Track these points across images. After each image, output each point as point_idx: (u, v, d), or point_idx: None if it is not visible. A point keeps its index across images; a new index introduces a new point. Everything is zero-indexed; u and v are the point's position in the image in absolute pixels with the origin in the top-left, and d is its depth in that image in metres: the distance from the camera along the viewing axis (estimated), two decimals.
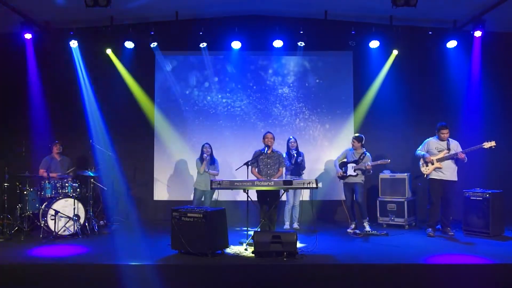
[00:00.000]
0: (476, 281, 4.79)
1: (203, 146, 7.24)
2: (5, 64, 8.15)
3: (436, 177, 6.61)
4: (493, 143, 6.33)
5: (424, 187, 7.11)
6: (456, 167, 6.62)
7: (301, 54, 8.26)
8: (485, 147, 6.36)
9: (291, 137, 7.30)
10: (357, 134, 7.16)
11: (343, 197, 7.31)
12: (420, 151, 6.82)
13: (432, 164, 6.62)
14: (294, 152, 7.13)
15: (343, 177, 7.00)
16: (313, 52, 8.34)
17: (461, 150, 6.54)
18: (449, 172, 6.56)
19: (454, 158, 6.55)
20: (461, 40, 7.70)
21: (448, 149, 6.60)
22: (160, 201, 8.38)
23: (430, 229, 6.62)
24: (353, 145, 7.02)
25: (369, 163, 6.82)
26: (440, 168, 6.57)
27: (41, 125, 8.07)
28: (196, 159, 7.30)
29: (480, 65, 8.02)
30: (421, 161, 6.78)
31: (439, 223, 6.76)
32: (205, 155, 7.13)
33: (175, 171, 8.39)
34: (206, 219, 5.28)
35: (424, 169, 6.72)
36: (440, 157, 6.59)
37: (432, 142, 6.75)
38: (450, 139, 6.68)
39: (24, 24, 7.36)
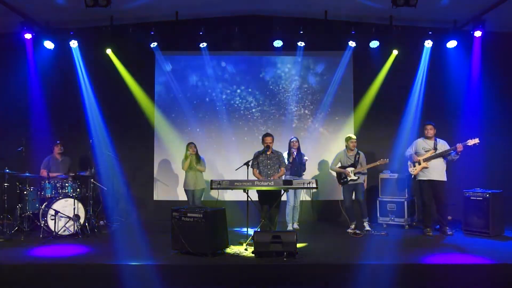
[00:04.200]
0: (476, 281, 4.79)
1: (188, 145, 7.25)
2: (5, 64, 8.16)
3: (424, 178, 6.63)
4: (476, 140, 6.34)
5: (416, 188, 7.11)
6: (445, 167, 6.62)
7: (301, 54, 8.26)
8: (469, 144, 6.36)
9: (293, 137, 7.30)
10: (351, 135, 7.15)
11: (342, 198, 7.26)
12: (408, 152, 6.83)
13: (419, 164, 6.63)
14: (294, 151, 7.11)
15: (344, 183, 6.98)
16: (313, 52, 8.33)
17: (448, 148, 6.55)
18: (436, 172, 6.56)
19: (445, 156, 6.55)
20: (461, 40, 7.70)
21: (435, 148, 6.62)
22: (160, 201, 8.38)
23: (427, 229, 6.63)
24: (351, 144, 7.00)
25: (372, 164, 6.87)
26: (427, 168, 6.58)
27: (41, 125, 8.07)
28: (182, 159, 7.31)
29: (480, 65, 8.02)
30: (409, 162, 6.80)
31: (438, 223, 6.77)
32: (189, 152, 7.15)
33: (175, 171, 8.39)
34: (206, 219, 5.28)
35: (412, 170, 6.74)
36: (426, 157, 6.59)
37: (419, 143, 6.78)
38: (437, 138, 6.70)
39: (24, 24, 7.37)
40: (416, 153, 6.73)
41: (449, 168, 6.77)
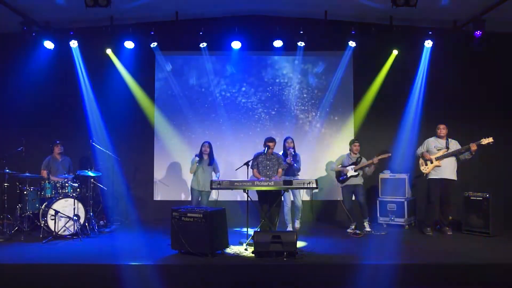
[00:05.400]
0: (476, 281, 4.79)
1: (202, 144, 7.10)
2: (5, 64, 8.15)
3: (435, 177, 6.63)
4: (490, 139, 6.35)
5: (423, 186, 7.11)
6: (456, 166, 6.63)
7: (301, 54, 8.26)
8: (483, 143, 6.37)
9: (288, 136, 7.28)
10: (355, 140, 7.24)
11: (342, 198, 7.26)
12: (419, 150, 6.85)
13: (431, 162, 6.63)
14: (292, 150, 7.07)
15: (343, 180, 6.98)
16: (313, 52, 8.33)
17: (460, 147, 6.56)
18: (448, 170, 6.58)
19: (456, 155, 6.56)
20: (461, 40, 7.69)
21: (447, 147, 6.63)
22: (160, 201, 8.38)
23: (428, 228, 6.64)
24: (355, 148, 7.05)
25: (375, 157, 6.89)
26: (439, 166, 6.59)
27: (41, 125, 8.08)
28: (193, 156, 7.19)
29: (479, 65, 8.02)
30: (420, 160, 6.80)
31: (438, 223, 6.77)
32: (196, 158, 6.94)
33: (175, 171, 8.39)
34: (206, 219, 5.28)
35: (424, 168, 6.74)
36: (439, 155, 6.60)
37: (431, 141, 6.79)
38: (449, 138, 6.71)
39: (24, 24, 7.36)
40: (428, 151, 6.75)
41: None
